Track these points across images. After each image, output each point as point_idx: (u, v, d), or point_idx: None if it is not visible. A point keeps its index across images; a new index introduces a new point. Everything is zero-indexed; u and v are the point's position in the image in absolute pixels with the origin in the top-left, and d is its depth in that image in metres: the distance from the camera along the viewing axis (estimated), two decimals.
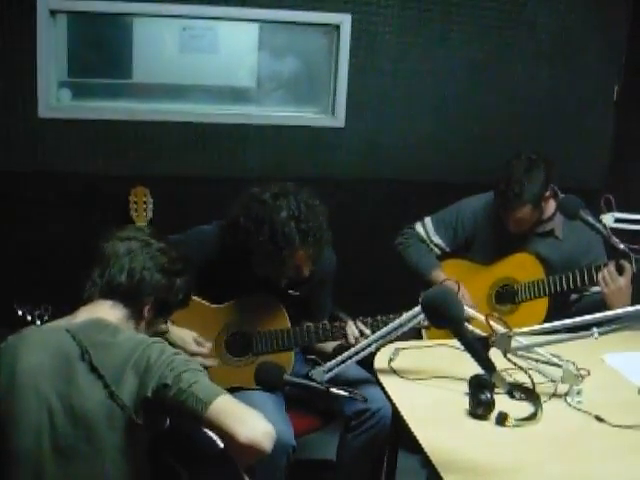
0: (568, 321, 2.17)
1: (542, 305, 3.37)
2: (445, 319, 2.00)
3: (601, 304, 3.11)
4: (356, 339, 2.92)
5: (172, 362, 2.00)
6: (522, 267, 3.45)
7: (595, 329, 2.08)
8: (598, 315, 2.08)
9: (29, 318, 3.34)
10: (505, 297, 3.51)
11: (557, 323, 2.17)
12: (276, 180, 3.01)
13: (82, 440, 2.00)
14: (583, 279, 3.24)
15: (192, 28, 4.22)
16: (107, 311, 2.18)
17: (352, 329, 2.96)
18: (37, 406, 2.02)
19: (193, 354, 2.97)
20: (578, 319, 2.13)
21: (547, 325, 2.26)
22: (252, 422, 1.92)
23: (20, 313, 3.34)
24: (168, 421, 2.19)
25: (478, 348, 2.03)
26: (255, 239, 2.85)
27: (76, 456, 2.01)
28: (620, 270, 3.11)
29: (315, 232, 2.87)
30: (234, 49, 4.37)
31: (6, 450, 2.05)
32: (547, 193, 3.34)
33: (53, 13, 3.88)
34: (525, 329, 2.15)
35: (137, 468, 2.06)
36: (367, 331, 2.91)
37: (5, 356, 2.10)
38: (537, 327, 2.22)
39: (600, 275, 3.15)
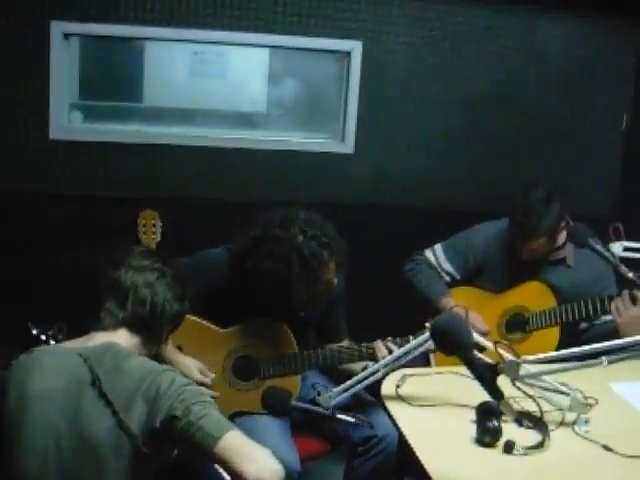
0: (577, 349, 2.16)
1: (553, 334, 3.35)
2: (453, 346, 2.00)
3: (610, 333, 3.08)
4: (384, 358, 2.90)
5: (182, 393, 1.99)
6: (533, 296, 3.42)
7: (604, 357, 2.07)
8: (608, 343, 2.07)
9: (43, 337, 3.35)
10: (516, 326, 3.48)
11: (566, 351, 2.16)
12: (284, 206, 3.01)
13: (88, 466, 2.00)
14: (595, 308, 3.22)
15: (203, 53, 4.25)
16: (124, 339, 2.20)
17: (381, 349, 2.94)
18: (44, 430, 2.02)
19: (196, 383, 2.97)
20: (587, 347, 2.12)
21: (556, 353, 2.26)
22: (261, 461, 1.91)
23: (35, 332, 3.35)
24: (176, 451, 2.19)
25: (486, 375, 2.02)
26: (287, 274, 2.83)
27: None
28: (634, 300, 3.10)
29: (335, 240, 2.90)
30: (244, 74, 4.40)
31: (12, 471, 2.05)
32: (562, 223, 3.34)
33: (67, 36, 3.91)
34: (533, 357, 2.14)
35: None
36: (396, 350, 2.89)
37: (16, 376, 2.10)
38: (546, 355, 2.21)
39: (613, 305, 3.14)
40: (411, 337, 2.89)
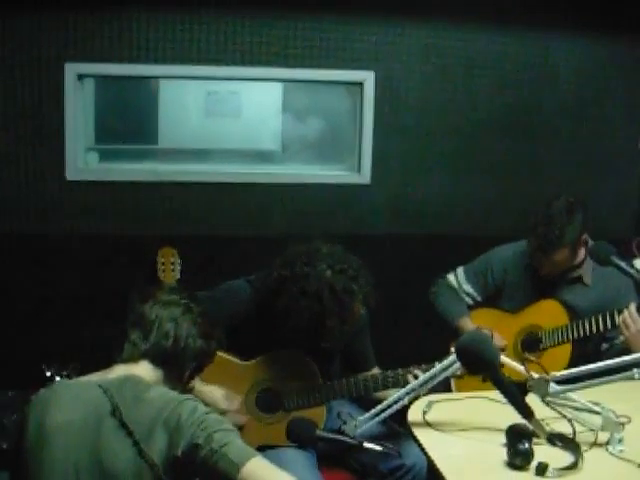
0: (605, 363, 2.12)
1: (565, 352, 3.31)
2: (480, 364, 1.97)
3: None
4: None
5: (204, 421, 1.96)
6: (547, 314, 3.40)
7: (636, 370, 2.03)
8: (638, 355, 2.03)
9: (58, 378, 3.33)
10: (530, 344, 3.45)
11: (595, 365, 2.13)
12: (303, 240, 2.99)
13: None
14: (605, 322, 3.17)
15: (216, 92, 4.29)
16: (145, 371, 2.18)
17: (408, 377, 2.90)
18: (64, 460, 1.99)
19: (222, 412, 2.93)
20: (617, 359, 2.08)
21: (586, 367, 2.21)
22: None
23: (49, 374, 3.34)
24: None
25: (515, 393, 1.98)
26: (321, 311, 2.81)
27: None
28: None
29: (361, 271, 2.88)
30: (258, 112, 4.42)
31: None
32: (584, 236, 3.32)
33: (81, 77, 3.95)
34: (564, 372, 2.09)
35: None
36: (420, 373, 2.85)
37: (34, 411, 2.08)
38: (576, 370, 2.17)
39: (621, 317, 3.09)
40: (437, 363, 2.85)
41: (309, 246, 2.93)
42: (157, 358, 2.20)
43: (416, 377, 2.84)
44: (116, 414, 2.00)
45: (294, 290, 2.83)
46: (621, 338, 3.23)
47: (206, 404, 2.86)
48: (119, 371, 2.16)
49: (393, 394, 2.72)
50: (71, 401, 2.07)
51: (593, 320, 3.22)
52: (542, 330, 3.41)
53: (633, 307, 3.07)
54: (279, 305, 2.86)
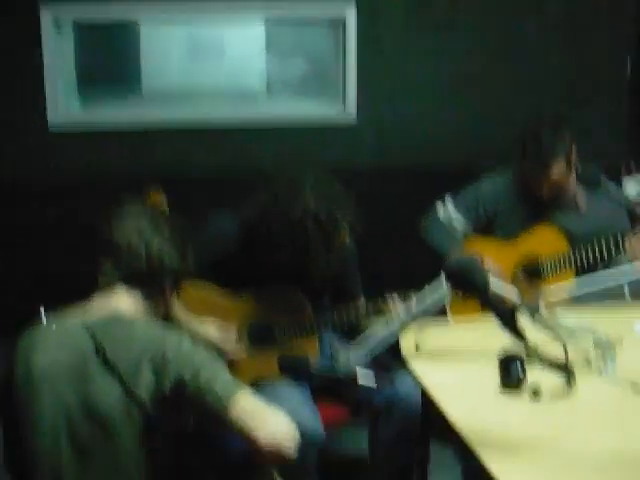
0: (596, 275, 2.11)
1: (568, 280, 3.29)
2: (470, 286, 1.95)
3: None
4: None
5: (190, 356, 1.94)
6: (546, 241, 3.38)
7: (626, 286, 2.02)
8: (627, 267, 2.02)
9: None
10: (531, 273, 3.43)
11: (586, 278, 2.11)
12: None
13: (100, 438, 1.95)
14: (610, 249, 3.16)
15: (199, 34, 4.23)
16: (124, 298, 2.12)
17: (396, 302, 2.93)
18: (54, 406, 1.98)
19: (219, 343, 2.94)
20: (611, 270, 2.07)
21: (576, 281, 2.20)
22: (272, 424, 1.87)
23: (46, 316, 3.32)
24: (192, 420, 2.14)
25: (507, 315, 1.97)
26: (306, 240, 2.80)
27: (94, 454, 1.96)
28: None
29: (347, 200, 2.88)
30: (241, 53, 4.37)
31: (25, 450, 2.02)
32: (574, 155, 3.31)
33: (58, 23, 3.88)
34: (553, 287, 2.08)
35: (157, 466, 2.00)
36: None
37: (20, 355, 2.06)
38: (568, 286, 2.16)
39: (627, 243, 3.09)
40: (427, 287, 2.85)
41: (293, 176, 2.91)
42: (132, 281, 2.13)
43: (403, 302, 2.86)
44: (100, 354, 1.97)
45: (278, 220, 2.81)
46: (619, 261, 3.23)
47: (199, 337, 2.88)
48: (98, 304, 2.11)
49: (380, 323, 2.71)
50: (55, 343, 2.04)
51: (597, 245, 3.21)
52: (542, 259, 3.40)
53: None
54: (264, 236, 2.84)
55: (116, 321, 2.06)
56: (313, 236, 2.79)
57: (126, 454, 1.96)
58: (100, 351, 1.97)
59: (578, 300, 2.33)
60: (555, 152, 3.24)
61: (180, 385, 1.90)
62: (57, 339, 2.05)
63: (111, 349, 1.97)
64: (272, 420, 1.88)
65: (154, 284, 2.18)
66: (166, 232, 2.19)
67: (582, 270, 3.25)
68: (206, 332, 2.93)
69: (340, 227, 2.85)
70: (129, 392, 1.93)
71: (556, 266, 3.33)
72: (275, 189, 2.90)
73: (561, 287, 2.23)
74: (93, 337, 2.00)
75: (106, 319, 2.07)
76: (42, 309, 3.23)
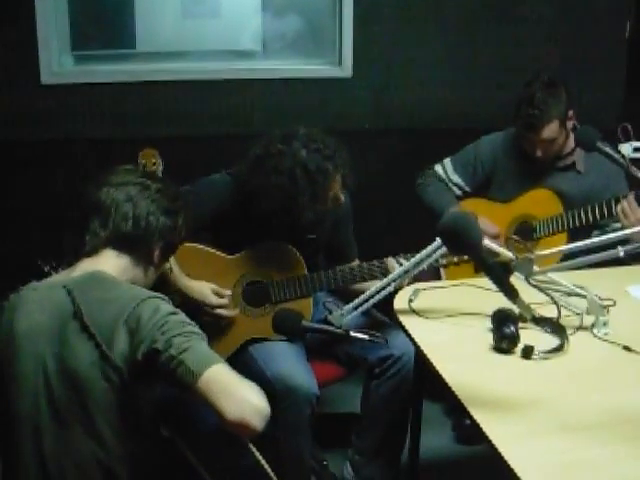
0: (590, 240, 2.11)
1: (561, 241, 3.28)
2: (463, 244, 1.94)
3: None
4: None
5: (165, 324, 1.88)
6: (540, 203, 3.38)
7: (620, 247, 2.02)
8: (620, 233, 2.02)
9: (54, 274, 3.31)
10: (524, 234, 3.41)
11: (580, 243, 2.11)
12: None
13: (77, 402, 1.94)
14: (602, 212, 3.16)
15: None
16: (111, 262, 2.10)
17: (393, 264, 2.91)
18: (34, 368, 1.96)
19: (214, 307, 2.94)
20: (604, 237, 2.07)
21: (571, 245, 2.20)
22: (241, 398, 1.80)
23: (46, 270, 3.31)
24: (159, 389, 2.12)
25: (499, 273, 1.97)
26: (293, 190, 2.81)
27: (72, 418, 1.95)
28: None
29: (339, 154, 2.87)
30: (237, 12, 4.31)
31: (9, 413, 2.01)
32: (570, 112, 3.30)
33: None
34: (547, 251, 2.08)
35: (135, 431, 2.00)
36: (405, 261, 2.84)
37: (4, 317, 2.05)
38: (559, 248, 2.16)
39: (619, 207, 3.08)
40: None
41: (287, 129, 2.92)
42: (119, 243, 2.11)
43: (400, 264, 2.85)
44: (78, 316, 1.95)
45: (268, 168, 2.82)
46: (614, 225, 3.23)
47: (195, 300, 2.89)
48: (84, 267, 2.09)
49: (370, 286, 2.72)
50: (36, 305, 2.02)
51: (590, 209, 3.21)
52: (536, 219, 3.40)
53: (632, 196, 3.05)
54: (254, 184, 2.85)
55: (95, 281, 2.03)
56: (301, 185, 2.80)
57: (102, 419, 1.94)
58: (78, 314, 1.95)
59: (571, 262, 2.32)
60: (547, 116, 3.22)
61: (152, 353, 1.86)
62: (39, 300, 2.03)
63: (88, 311, 1.94)
64: (241, 393, 1.81)
65: (142, 248, 2.15)
66: (157, 196, 2.16)
67: (575, 232, 3.27)
68: (202, 294, 2.94)
69: (330, 179, 2.84)
70: (104, 355, 1.90)
71: (549, 228, 3.34)
72: (267, 141, 2.90)
73: (555, 251, 2.22)
74: (72, 298, 1.97)
75: (85, 278, 2.04)
76: (41, 264, 3.24)
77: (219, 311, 2.95)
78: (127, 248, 2.13)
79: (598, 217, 3.19)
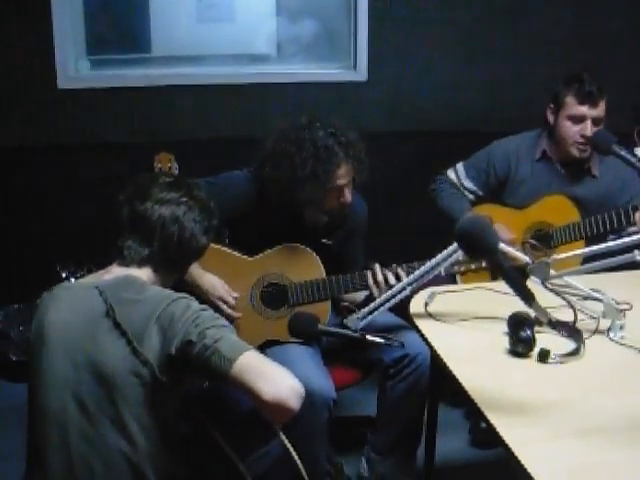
0: (604, 245, 2.10)
1: (578, 249, 3.27)
2: (480, 248, 1.95)
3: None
4: (378, 284, 2.87)
5: (197, 318, 1.95)
6: (556, 210, 3.35)
7: (637, 251, 2.02)
8: (636, 237, 2.02)
9: (73, 280, 3.33)
10: (541, 242, 3.40)
11: (596, 247, 2.11)
12: None
13: (106, 397, 1.98)
14: (620, 219, 3.14)
15: None
16: (146, 272, 2.15)
17: (376, 272, 2.91)
18: (63, 363, 2.01)
19: (220, 299, 2.96)
20: (619, 241, 2.07)
21: (587, 249, 2.20)
22: (277, 379, 1.87)
23: (64, 275, 3.35)
24: (198, 382, 2.16)
25: (516, 277, 1.97)
26: (297, 161, 2.84)
27: (100, 414, 1.98)
28: None
29: (354, 145, 2.90)
30: (252, 16, 4.33)
31: (35, 404, 2.06)
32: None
33: None
34: (563, 255, 2.08)
35: (163, 427, 2.03)
36: (392, 279, 2.86)
37: (37, 314, 2.11)
38: (576, 252, 2.15)
39: (638, 214, 3.06)
40: (416, 263, 2.86)
41: (310, 116, 2.97)
42: (161, 263, 2.17)
43: (397, 276, 2.87)
44: (110, 314, 2.00)
45: (282, 139, 2.91)
46: (629, 229, 3.21)
47: (205, 289, 2.90)
48: (117, 271, 2.14)
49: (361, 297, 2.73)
50: (69, 303, 2.08)
51: (607, 216, 3.18)
52: (552, 227, 3.36)
53: None
54: (268, 149, 2.94)
55: (127, 283, 2.09)
56: (305, 157, 2.84)
57: (131, 414, 1.98)
58: (110, 312, 2.00)
59: (588, 265, 2.32)
60: (602, 90, 3.24)
61: (186, 346, 1.91)
62: (71, 299, 2.09)
63: (120, 310, 2.00)
64: (278, 375, 1.89)
65: (178, 266, 2.25)
66: (200, 217, 2.21)
67: (592, 239, 3.24)
68: (212, 284, 2.96)
69: (335, 161, 2.85)
70: (136, 353, 1.95)
71: (566, 236, 3.31)
72: (296, 121, 2.98)
73: (571, 255, 2.22)
74: (104, 299, 2.03)
75: (119, 280, 2.10)
76: (60, 270, 3.27)
77: (223, 306, 2.96)
78: (167, 266, 2.20)
79: (616, 225, 3.16)
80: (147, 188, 2.20)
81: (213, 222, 2.27)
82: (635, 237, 2.04)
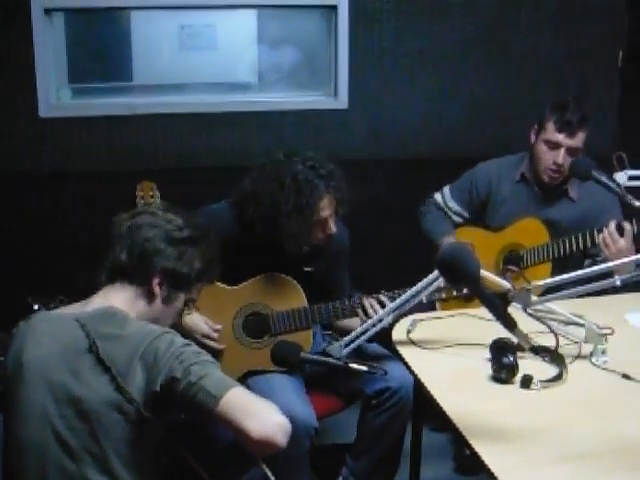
0: (582, 271, 2.12)
1: (545, 270, 3.30)
2: (461, 276, 1.95)
3: None
4: (375, 311, 2.87)
5: (181, 354, 1.92)
6: (528, 232, 3.39)
7: (617, 276, 2.03)
8: (604, 266, 2.03)
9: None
10: (512, 263, 3.42)
11: (574, 274, 2.13)
12: None
13: (89, 433, 1.95)
14: (585, 241, 3.17)
15: (191, 26, 4.20)
16: (120, 295, 2.11)
17: (370, 301, 2.90)
18: (43, 397, 1.97)
19: (203, 335, 2.95)
20: (588, 270, 2.08)
21: (567, 276, 2.21)
22: (264, 416, 1.84)
23: (36, 307, 3.32)
24: (183, 416, 2.14)
25: (498, 304, 1.98)
26: (280, 198, 2.84)
27: (82, 449, 1.95)
28: (621, 231, 3.04)
29: (334, 176, 2.90)
30: (233, 44, 4.35)
31: (13, 437, 2.02)
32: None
33: (48, 12, 3.87)
34: (543, 282, 2.09)
35: (145, 462, 2.01)
36: (386, 300, 2.85)
37: (13, 345, 2.07)
38: (557, 278, 2.16)
39: (600, 237, 3.08)
40: (397, 291, 2.87)
41: (286, 150, 3.00)
42: (119, 274, 2.12)
43: (381, 303, 2.86)
44: (93, 350, 1.96)
45: (264, 174, 2.90)
46: (603, 255, 3.23)
47: (188, 328, 2.89)
48: (96, 302, 2.10)
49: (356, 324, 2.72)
50: (48, 336, 2.04)
51: (573, 239, 3.21)
52: (524, 248, 3.41)
53: (612, 226, 3.06)
54: (248, 189, 2.93)
55: (108, 316, 2.05)
56: (287, 193, 2.84)
57: (114, 450, 1.95)
58: (94, 348, 1.97)
59: (569, 291, 2.33)
60: (584, 120, 3.25)
61: (171, 383, 1.89)
62: (50, 332, 2.05)
63: (103, 346, 1.96)
64: (264, 412, 1.86)
65: (138, 276, 2.13)
66: (161, 222, 2.16)
67: (566, 262, 3.26)
68: (193, 321, 2.95)
69: (317, 195, 2.86)
70: (120, 389, 1.92)
71: (535, 257, 3.34)
72: (272, 154, 3.00)
73: (550, 282, 2.24)
74: (86, 333, 1.99)
75: (98, 313, 2.06)
76: (32, 302, 3.24)
77: (206, 341, 2.95)
78: (125, 279, 2.13)
79: (582, 247, 3.19)
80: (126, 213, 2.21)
81: (182, 233, 2.17)
82: (603, 266, 2.07)
